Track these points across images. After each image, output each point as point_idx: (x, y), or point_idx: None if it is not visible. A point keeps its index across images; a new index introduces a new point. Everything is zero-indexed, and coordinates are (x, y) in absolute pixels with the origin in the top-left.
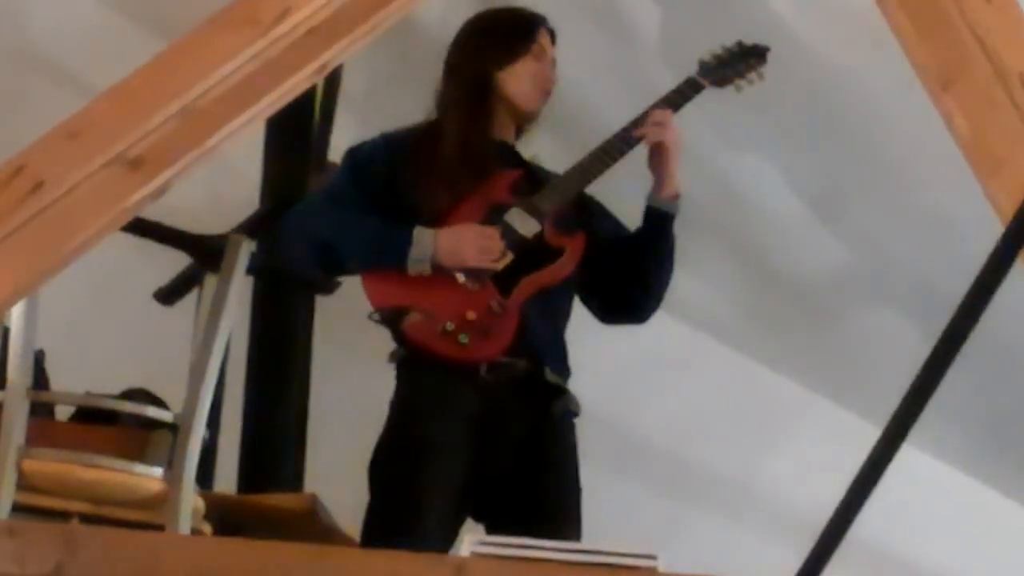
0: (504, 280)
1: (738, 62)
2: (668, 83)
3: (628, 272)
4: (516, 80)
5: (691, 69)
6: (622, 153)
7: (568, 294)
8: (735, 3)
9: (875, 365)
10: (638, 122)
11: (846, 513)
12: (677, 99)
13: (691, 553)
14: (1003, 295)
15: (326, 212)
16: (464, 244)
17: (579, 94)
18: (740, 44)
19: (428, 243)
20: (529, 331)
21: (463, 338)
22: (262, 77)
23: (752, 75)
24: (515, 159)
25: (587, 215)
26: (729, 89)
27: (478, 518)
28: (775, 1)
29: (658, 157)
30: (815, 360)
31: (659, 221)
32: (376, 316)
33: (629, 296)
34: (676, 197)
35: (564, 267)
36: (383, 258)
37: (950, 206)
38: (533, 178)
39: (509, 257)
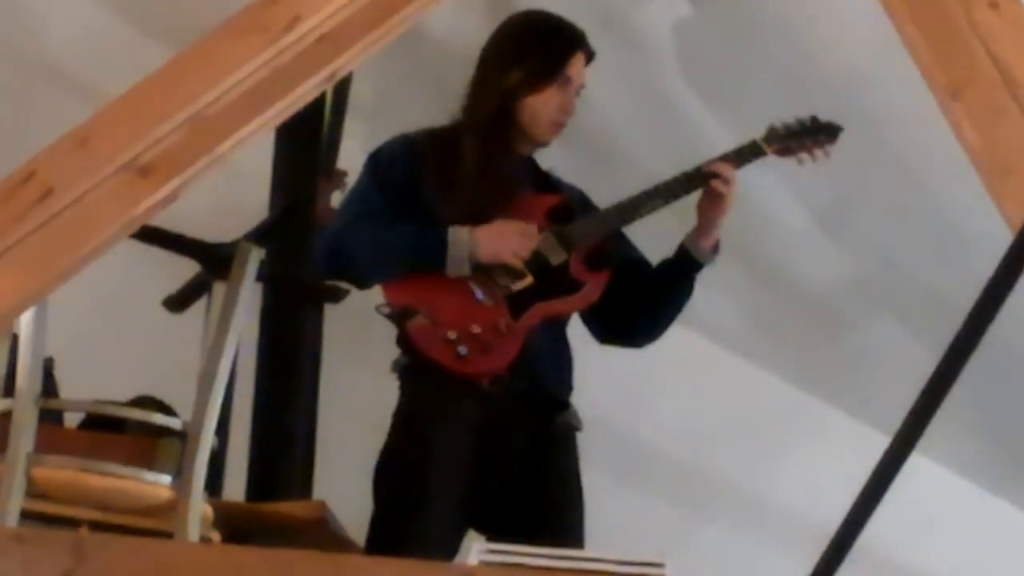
0: (518, 302)
1: (807, 137)
2: (684, 97)
3: (641, 301)
4: (536, 109)
5: (707, 83)
6: (665, 203)
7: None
8: (750, 16)
9: (884, 375)
10: (691, 175)
11: (855, 522)
12: (736, 160)
13: (699, 562)
14: (1012, 304)
15: (357, 226)
16: (503, 238)
17: (597, 108)
18: (814, 119)
19: (465, 241)
20: (532, 352)
21: (462, 350)
22: (271, 85)
23: (819, 151)
24: (537, 174)
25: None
26: (790, 160)
27: (481, 529)
28: (787, 8)
29: (712, 205)
30: (824, 370)
31: (689, 265)
32: (385, 310)
33: (636, 324)
34: (714, 250)
35: (579, 301)
36: (422, 265)
37: (959, 216)
38: (569, 207)
39: (528, 280)
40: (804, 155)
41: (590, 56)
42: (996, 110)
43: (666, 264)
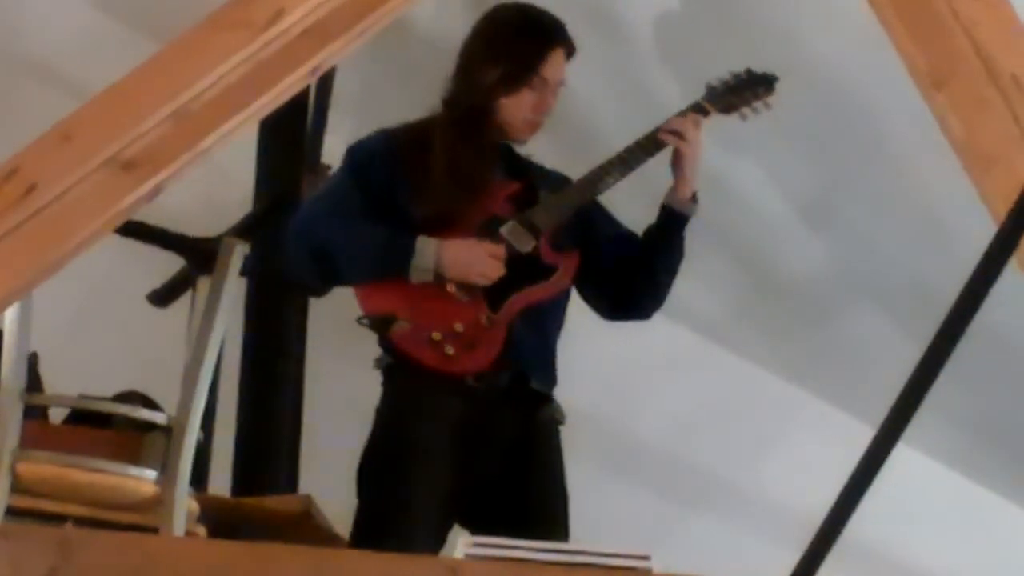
0: (495, 293)
1: (746, 90)
2: (666, 86)
3: (637, 269)
4: (512, 110)
5: (688, 71)
6: (622, 174)
7: (561, 305)
8: (732, 5)
9: (870, 365)
10: (642, 143)
11: (841, 513)
12: None
13: (686, 554)
14: (997, 294)
15: (328, 222)
16: (471, 260)
17: (577, 98)
18: (749, 72)
19: (431, 253)
20: (517, 343)
21: (449, 349)
22: (255, 79)
23: (759, 104)
24: (513, 160)
25: (583, 219)
26: (734, 116)
27: (465, 524)
28: (771, 2)
29: (678, 160)
30: (810, 361)
31: (673, 221)
32: (365, 321)
33: (636, 293)
34: (692, 200)
35: (556, 285)
36: (386, 269)
37: (943, 206)
38: (532, 190)
39: (501, 271)
40: (746, 109)
41: (571, 51)
42: (979, 101)
43: (653, 228)
